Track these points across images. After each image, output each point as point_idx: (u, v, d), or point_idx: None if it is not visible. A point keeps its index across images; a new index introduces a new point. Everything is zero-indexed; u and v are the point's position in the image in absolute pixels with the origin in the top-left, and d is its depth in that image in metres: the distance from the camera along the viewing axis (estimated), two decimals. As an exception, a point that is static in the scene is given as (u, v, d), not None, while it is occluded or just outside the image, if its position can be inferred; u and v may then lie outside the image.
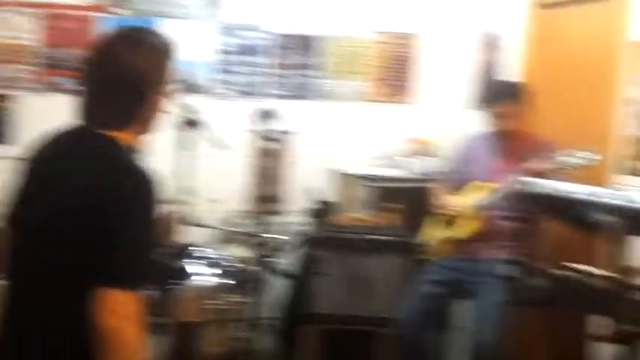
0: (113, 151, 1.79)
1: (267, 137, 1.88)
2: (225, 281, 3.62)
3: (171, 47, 1.88)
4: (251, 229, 3.89)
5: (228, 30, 4.61)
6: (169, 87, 1.85)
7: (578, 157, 3.01)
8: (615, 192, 2.26)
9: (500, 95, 3.46)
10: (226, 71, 4.63)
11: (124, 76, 1.79)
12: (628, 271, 2.15)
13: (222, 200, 4.03)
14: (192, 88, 4.43)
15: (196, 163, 3.57)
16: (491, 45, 4.65)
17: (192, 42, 4.49)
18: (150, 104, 1.83)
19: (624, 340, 2.12)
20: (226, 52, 4.62)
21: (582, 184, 2.45)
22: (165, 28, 4.12)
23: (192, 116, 3.54)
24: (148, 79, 1.81)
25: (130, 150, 1.81)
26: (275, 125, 1.97)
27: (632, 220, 2.18)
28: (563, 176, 3.03)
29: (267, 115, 1.99)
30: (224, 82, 4.62)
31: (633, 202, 2.15)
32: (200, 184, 3.68)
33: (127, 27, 2.01)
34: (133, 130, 1.83)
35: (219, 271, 3.67)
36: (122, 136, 1.81)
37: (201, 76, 4.57)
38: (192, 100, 3.77)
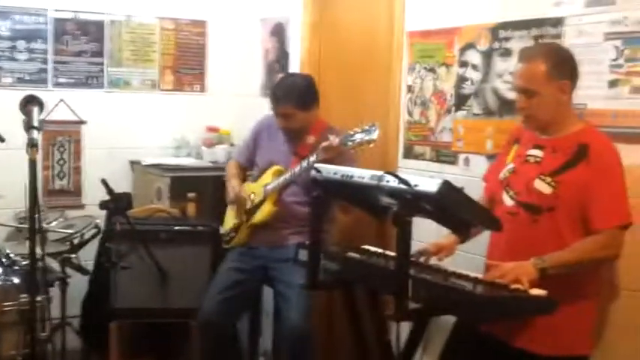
0: None
1: (31, 127, 1.79)
2: (18, 281, 3.43)
3: None
4: (42, 225, 3.69)
5: (4, 14, 4.33)
6: None
7: (361, 134, 3.09)
8: (394, 175, 2.36)
9: (281, 98, 3.45)
10: (2, 58, 4.34)
11: None
12: (407, 250, 2.28)
13: (5, 196, 3.79)
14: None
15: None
16: (274, 32, 4.70)
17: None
18: None
19: (407, 317, 2.27)
20: (1, 38, 4.34)
21: (370, 168, 2.56)
22: None
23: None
24: None
25: None
26: (41, 115, 1.86)
27: (411, 202, 2.31)
28: (351, 160, 3.17)
29: (30, 103, 1.88)
30: (-1, 69, 4.35)
31: (409, 185, 2.27)
32: None
33: None
34: None
35: (10, 270, 3.47)
36: None
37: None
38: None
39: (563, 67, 2.50)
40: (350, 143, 3.12)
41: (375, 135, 3.07)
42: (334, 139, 3.19)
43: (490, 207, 2.68)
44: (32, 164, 1.78)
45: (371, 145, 3.11)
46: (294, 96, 3.45)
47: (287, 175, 3.40)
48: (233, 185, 3.67)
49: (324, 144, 3.22)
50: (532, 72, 2.49)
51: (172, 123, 4.82)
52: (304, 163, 3.29)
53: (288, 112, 3.46)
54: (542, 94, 2.48)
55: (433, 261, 2.68)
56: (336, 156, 3.15)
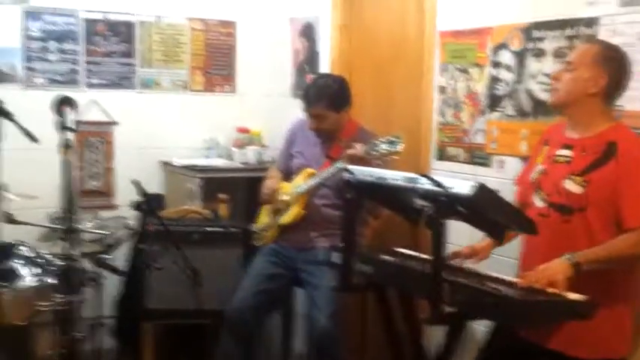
0: None
1: (64, 128, 1.80)
2: (53, 281, 3.47)
3: None
4: (76, 225, 3.73)
5: (35, 15, 4.38)
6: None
7: (385, 145, 3.10)
8: (428, 177, 2.36)
9: (313, 99, 3.47)
10: (34, 58, 4.39)
11: None
12: (442, 253, 2.27)
13: (39, 196, 3.82)
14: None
15: (4, 157, 3.34)
16: (304, 33, 4.69)
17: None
18: None
19: (442, 320, 2.26)
20: (32, 39, 4.38)
21: (402, 170, 2.55)
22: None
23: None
24: None
25: None
26: (75, 115, 1.87)
27: (445, 204, 2.30)
28: (383, 163, 3.16)
29: (64, 104, 1.89)
30: (31, 69, 4.38)
31: (444, 188, 2.27)
32: (11, 180, 3.48)
33: None
34: None
35: (46, 271, 3.51)
36: None
37: (6, 64, 4.31)
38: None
39: (612, 62, 2.49)
40: (374, 153, 3.12)
41: (399, 148, 3.07)
42: (359, 148, 3.18)
43: (523, 210, 2.66)
44: (67, 165, 1.79)
45: (395, 157, 3.11)
46: (326, 97, 3.45)
47: (317, 179, 3.40)
48: (267, 185, 3.68)
49: (350, 151, 3.22)
50: (585, 50, 2.55)
51: (203, 124, 4.84)
52: (331, 169, 3.30)
53: (320, 114, 3.46)
54: (578, 71, 2.49)
55: (467, 264, 2.66)
56: (361, 164, 3.13)
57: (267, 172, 3.91)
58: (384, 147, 3.09)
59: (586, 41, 2.75)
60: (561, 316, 2.28)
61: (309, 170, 3.50)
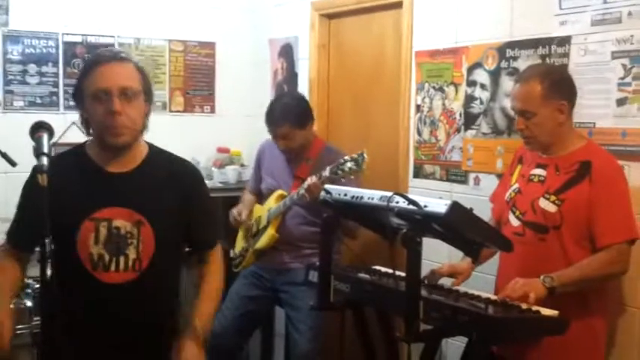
0: None
1: (40, 154, 1.79)
2: (30, 304, 3.46)
3: None
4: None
5: (14, 38, 4.37)
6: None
7: (350, 163, 3.09)
8: (403, 196, 2.37)
9: (277, 119, 3.48)
10: (13, 82, 4.36)
11: None
12: (417, 271, 2.28)
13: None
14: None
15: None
16: (283, 53, 4.72)
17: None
18: None
19: (418, 338, 2.26)
20: (12, 62, 4.36)
21: (380, 188, 2.56)
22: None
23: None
24: None
25: None
26: (51, 140, 1.87)
27: (420, 222, 2.32)
28: (352, 181, 3.14)
29: (39, 129, 1.89)
30: (10, 92, 4.35)
31: (418, 206, 2.28)
32: None
33: None
34: None
35: (22, 294, 3.49)
36: None
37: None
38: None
39: (560, 87, 2.51)
40: (340, 172, 3.12)
41: (364, 165, 3.07)
42: (313, 179, 3.20)
43: (498, 228, 2.68)
44: (42, 190, 1.78)
45: (360, 172, 3.11)
46: (290, 115, 3.46)
47: (286, 201, 3.41)
48: (238, 210, 3.69)
49: (308, 182, 3.22)
50: (528, 93, 2.50)
51: (183, 144, 4.76)
52: (294, 196, 3.33)
53: (287, 133, 3.47)
54: (539, 114, 2.49)
55: (447, 284, 2.67)
56: (318, 193, 3.06)
57: (242, 194, 3.92)
58: (349, 165, 3.10)
59: (523, 80, 2.56)
60: (535, 332, 2.30)
61: (280, 192, 3.51)
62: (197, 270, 2.41)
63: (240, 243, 3.72)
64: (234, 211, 3.69)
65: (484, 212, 2.61)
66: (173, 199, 2.29)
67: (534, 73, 2.56)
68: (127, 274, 2.20)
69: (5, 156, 3.33)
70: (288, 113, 3.46)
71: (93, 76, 2.17)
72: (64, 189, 2.14)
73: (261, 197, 3.72)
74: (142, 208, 2.22)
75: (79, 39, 4.54)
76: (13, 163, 3.30)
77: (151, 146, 2.39)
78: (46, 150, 1.86)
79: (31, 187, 2.24)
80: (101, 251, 2.17)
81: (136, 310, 2.21)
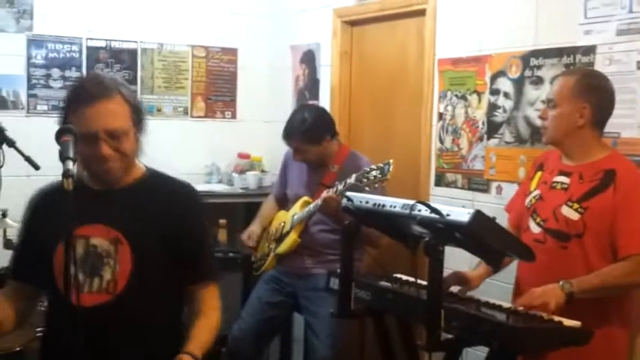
0: None
1: (66, 158, 1.80)
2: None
3: None
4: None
5: (39, 42, 4.43)
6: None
7: (375, 172, 3.09)
8: (426, 204, 2.36)
9: (288, 135, 3.47)
10: (37, 86, 4.43)
11: None
12: (439, 280, 2.27)
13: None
14: None
15: (7, 184, 3.34)
16: (305, 60, 4.73)
17: (-1, 55, 4.26)
18: None
19: (439, 347, 2.25)
20: (36, 66, 4.43)
21: (402, 196, 2.56)
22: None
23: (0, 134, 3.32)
24: None
25: None
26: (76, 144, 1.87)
27: (442, 231, 2.31)
28: (376, 190, 3.14)
29: (64, 133, 1.89)
30: (34, 96, 4.42)
31: (441, 215, 2.27)
32: (11, 206, 3.44)
33: None
34: None
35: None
36: None
37: (9, 91, 4.36)
38: (-1, 116, 3.54)
39: (591, 91, 2.50)
40: (365, 180, 3.11)
41: (388, 175, 3.06)
42: (330, 192, 3.21)
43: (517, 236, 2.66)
44: (67, 195, 1.79)
45: (384, 183, 3.10)
46: (301, 132, 3.45)
47: (310, 207, 3.41)
48: (249, 233, 3.72)
49: (324, 196, 3.22)
50: (563, 84, 2.54)
51: (204, 149, 4.86)
52: (312, 206, 3.35)
53: (299, 147, 3.48)
54: (560, 108, 2.51)
55: (456, 291, 2.65)
56: (337, 205, 3.10)
57: (265, 200, 3.92)
58: (374, 173, 3.10)
59: (565, 74, 2.68)
60: (558, 342, 2.27)
61: (305, 198, 3.51)
62: (194, 305, 2.15)
63: (262, 247, 3.73)
64: (244, 236, 3.72)
65: (506, 221, 2.59)
66: (164, 223, 2.08)
67: (579, 70, 2.64)
68: (100, 296, 2.01)
69: (29, 159, 3.36)
70: (302, 130, 3.44)
71: (78, 117, 2.01)
72: (49, 211, 2.07)
73: (286, 202, 3.72)
74: (119, 224, 2.04)
75: (102, 44, 4.59)
76: (36, 167, 3.33)
77: (148, 169, 2.24)
78: (71, 154, 1.87)
79: (27, 217, 2.18)
80: (76, 271, 1.87)
81: (114, 337, 2.01)
